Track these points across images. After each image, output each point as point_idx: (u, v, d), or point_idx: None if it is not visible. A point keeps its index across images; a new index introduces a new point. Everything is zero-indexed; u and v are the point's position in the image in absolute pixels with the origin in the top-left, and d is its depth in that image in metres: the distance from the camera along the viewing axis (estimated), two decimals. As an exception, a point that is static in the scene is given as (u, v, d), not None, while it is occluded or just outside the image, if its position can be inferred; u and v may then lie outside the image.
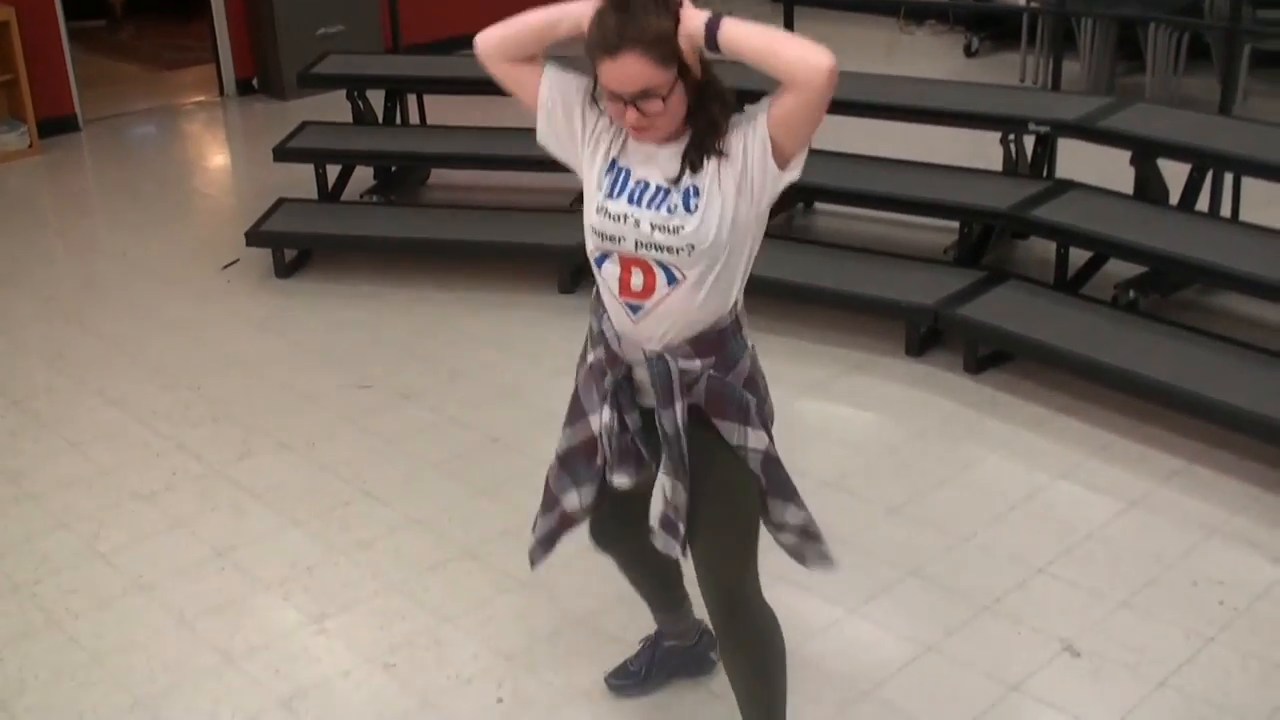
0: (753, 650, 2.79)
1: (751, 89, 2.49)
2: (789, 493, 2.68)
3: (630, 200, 2.52)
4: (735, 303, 2.58)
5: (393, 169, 6.64)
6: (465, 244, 5.67)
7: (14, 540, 3.97)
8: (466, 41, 9.48)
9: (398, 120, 6.85)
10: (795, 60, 2.28)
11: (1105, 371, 4.37)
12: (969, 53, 9.01)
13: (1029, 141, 5.62)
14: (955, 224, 5.40)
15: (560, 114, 2.59)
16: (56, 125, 7.94)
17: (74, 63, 8.11)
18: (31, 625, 3.57)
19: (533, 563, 2.94)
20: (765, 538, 2.75)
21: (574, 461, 2.80)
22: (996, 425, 4.43)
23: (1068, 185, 5.35)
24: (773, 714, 2.83)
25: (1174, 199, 5.27)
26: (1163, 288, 5.09)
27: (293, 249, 5.86)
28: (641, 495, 2.80)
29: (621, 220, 2.52)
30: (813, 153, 6.78)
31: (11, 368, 5.15)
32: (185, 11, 10.03)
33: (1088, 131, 5.33)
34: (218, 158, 8.17)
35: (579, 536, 3.78)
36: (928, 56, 9.09)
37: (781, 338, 4.89)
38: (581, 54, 2.45)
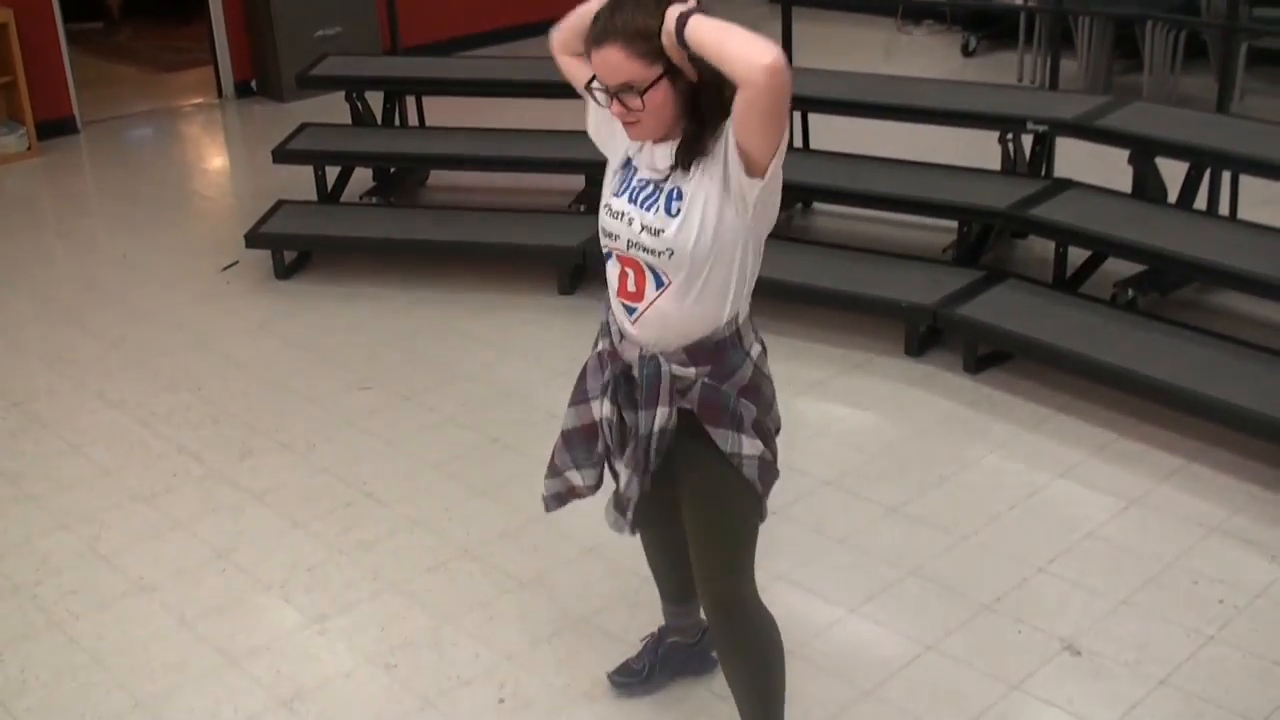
0: (749, 654, 2.80)
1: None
2: (770, 489, 2.72)
3: (630, 199, 2.55)
4: (734, 316, 2.57)
5: (392, 170, 6.65)
6: (464, 245, 5.67)
7: (14, 541, 3.98)
8: (465, 43, 9.51)
9: (397, 122, 6.85)
10: (738, 57, 2.27)
11: (1104, 370, 4.38)
12: (966, 52, 9.01)
13: (1027, 141, 5.62)
14: (954, 223, 5.40)
15: (604, 113, 2.61)
16: (55, 127, 7.94)
17: (72, 65, 8.11)
18: (32, 626, 3.58)
19: (547, 509, 3.00)
20: (763, 541, 2.76)
21: (575, 442, 2.84)
22: (996, 424, 4.43)
23: (1066, 184, 5.35)
24: (770, 715, 2.84)
25: (1172, 197, 5.27)
26: (1161, 286, 5.10)
27: (292, 250, 5.87)
28: (671, 477, 2.80)
29: (620, 218, 2.56)
30: (811, 152, 6.80)
31: (12, 369, 5.16)
32: (183, 13, 10.03)
33: (1086, 130, 5.34)
34: (217, 160, 8.17)
35: (573, 535, 3.80)
36: (925, 56, 9.09)
37: (781, 337, 4.88)
38: None
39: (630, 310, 2.59)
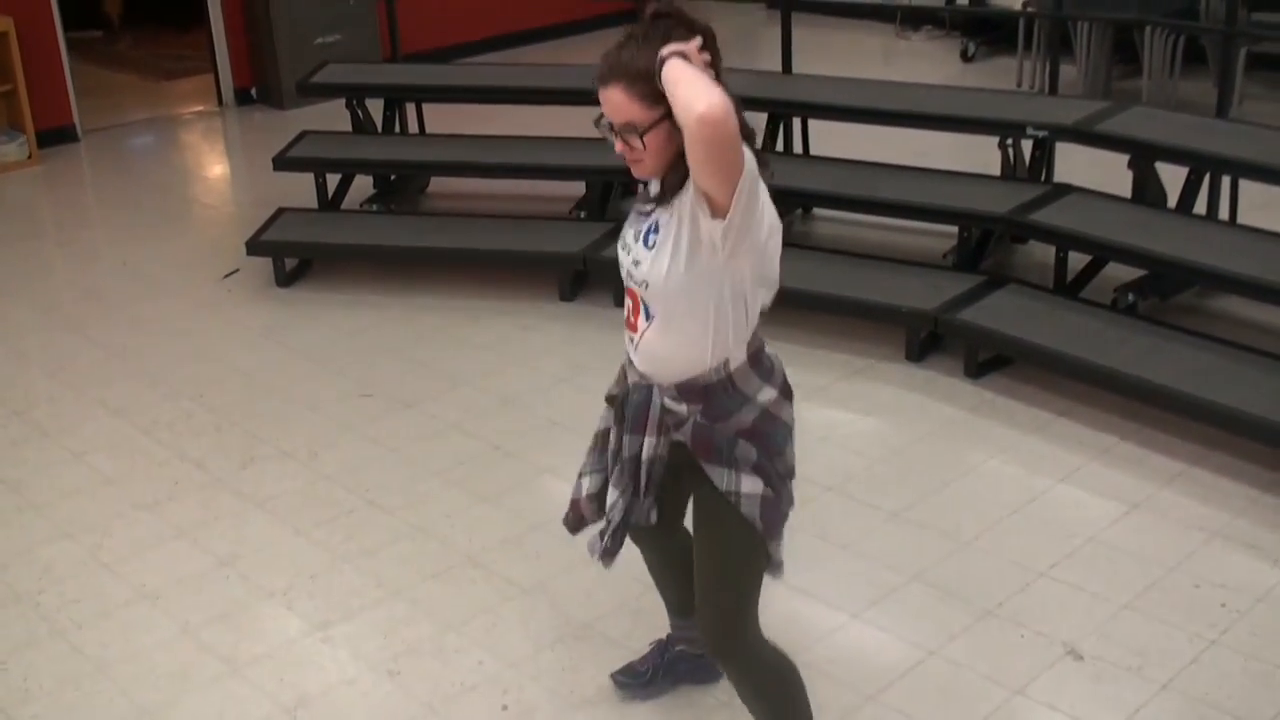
0: (763, 695, 2.81)
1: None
2: (779, 530, 2.69)
3: (634, 231, 2.62)
4: (722, 362, 2.55)
5: (392, 177, 6.65)
6: (465, 252, 5.68)
7: (17, 550, 3.98)
8: (464, 50, 9.52)
9: (397, 129, 6.86)
10: (679, 102, 2.29)
11: (1105, 375, 4.38)
12: (965, 58, 9.02)
13: (1027, 146, 5.63)
14: (954, 229, 5.40)
15: None
16: (55, 136, 7.94)
17: (72, 73, 8.13)
18: (35, 635, 3.58)
19: (566, 525, 2.97)
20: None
21: (596, 445, 2.86)
22: (997, 429, 4.44)
23: (1066, 189, 5.35)
24: None
25: (1172, 202, 5.28)
26: (1162, 291, 5.10)
27: (293, 258, 5.87)
28: (674, 498, 2.83)
29: (624, 248, 2.64)
30: (811, 158, 6.80)
31: (13, 378, 5.16)
32: (183, 21, 10.04)
33: (1085, 135, 5.34)
34: (217, 167, 8.18)
35: (576, 542, 3.80)
36: (925, 61, 9.11)
37: (782, 343, 4.81)
38: None
39: (631, 339, 2.66)
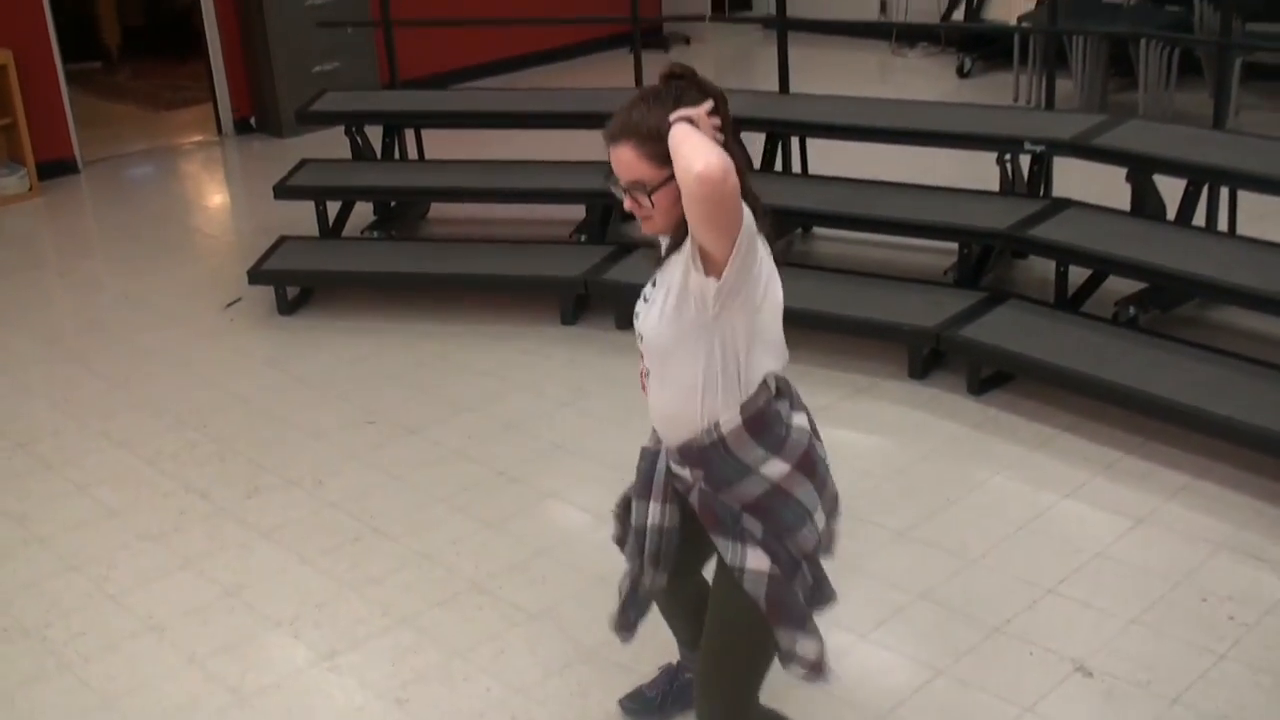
0: None
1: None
2: (800, 621, 2.58)
3: (645, 293, 2.64)
4: (712, 424, 2.52)
5: (392, 204, 6.67)
6: (466, 277, 5.69)
7: (23, 583, 3.98)
8: (462, 76, 9.57)
9: (396, 155, 6.88)
10: (679, 162, 2.30)
11: (1108, 389, 4.38)
12: (962, 74, 9.04)
13: (1025, 161, 5.64)
14: (954, 245, 5.41)
15: None
16: (56, 168, 7.97)
17: (72, 105, 8.15)
18: (42, 668, 3.58)
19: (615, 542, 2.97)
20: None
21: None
22: (1001, 445, 4.44)
23: (1065, 204, 5.36)
24: None
25: (1171, 214, 5.29)
26: (1163, 303, 5.11)
27: (295, 286, 5.88)
28: (693, 551, 2.79)
29: (636, 315, 2.65)
30: (810, 177, 6.79)
31: (16, 409, 5.16)
32: (181, 52, 10.08)
33: (1083, 149, 5.36)
34: (217, 197, 8.20)
35: (582, 566, 3.80)
36: (921, 78, 9.13)
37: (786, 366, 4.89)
38: None
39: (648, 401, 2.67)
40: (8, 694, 3.47)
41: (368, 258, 6.03)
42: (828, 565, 2.68)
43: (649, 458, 2.67)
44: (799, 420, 2.60)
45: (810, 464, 2.59)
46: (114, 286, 6.48)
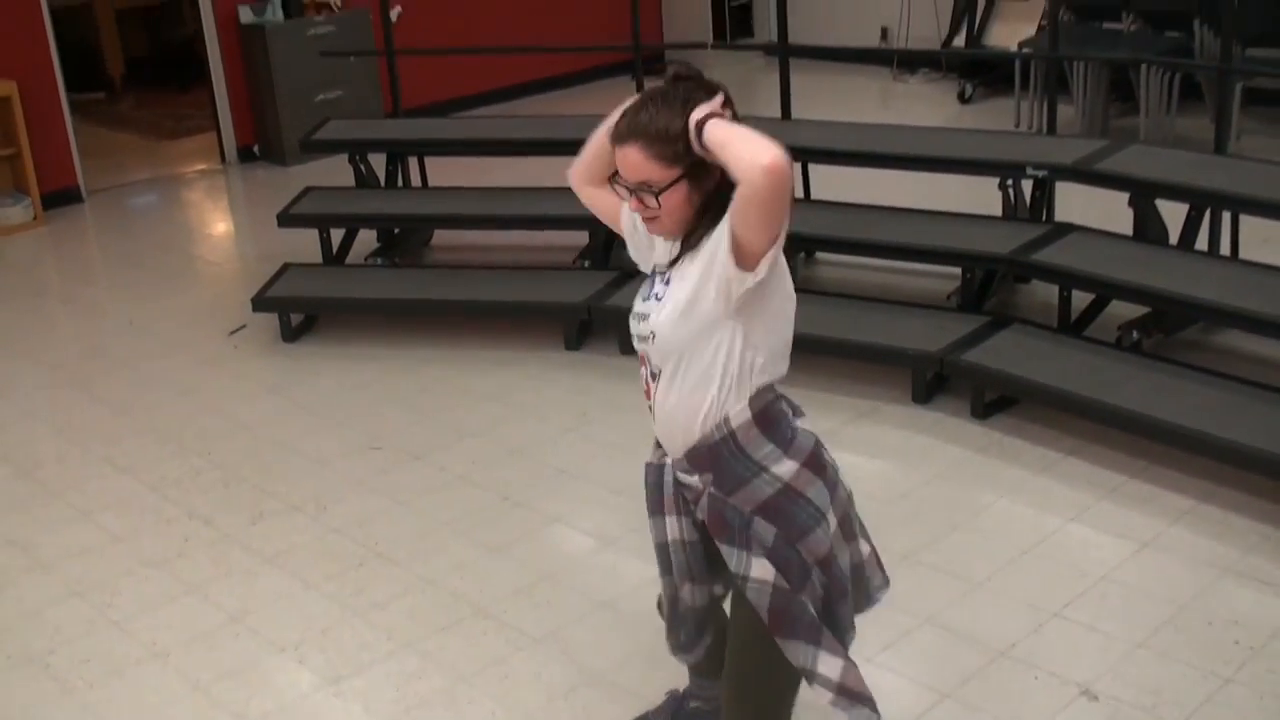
0: None
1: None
2: (811, 634, 2.53)
3: (644, 296, 2.61)
4: (723, 419, 2.51)
5: (396, 231, 6.69)
6: (470, 303, 5.70)
7: (27, 610, 3.98)
8: (465, 104, 9.61)
9: (400, 183, 6.90)
10: (741, 157, 2.30)
11: (1112, 413, 4.38)
12: (963, 99, 9.07)
13: (1027, 186, 5.66)
14: (957, 270, 5.42)
15: (643, 238, 2.67)
16: (60, 197, 8.01)
17: (76, 135, 8.19)
18: (46, 695, 3.57)
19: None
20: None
21: None
22: (1005, 469, 4.43)
23: (1067, 228, 5.37)
24: None
25: (1173, 239, 5.29)
26: (1166, 328, 5.11)
27: (299, 313, 5.90)
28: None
29: (635, 319, 2.61)
30: (813, 203, 6.81)
31: (20, 436, 5.17)
32: (184, 81, 10.14)
33: (1085, 174, 5.37)
34: (221, 225, 8.22)
35: (587, 591, 3.79)
36: (922, 104, 9.16)
37: (788, 388, 4.87)
38: None
39: (650, 409, 2.62)
40: (11, 721, 3.48)
41: (371, 285, 6.05)
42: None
43: (655, 472, 2.64)
44: (803, 424, 2.63)
45: (819, 463, 2.59)
46: (118, 314, 6.49)
